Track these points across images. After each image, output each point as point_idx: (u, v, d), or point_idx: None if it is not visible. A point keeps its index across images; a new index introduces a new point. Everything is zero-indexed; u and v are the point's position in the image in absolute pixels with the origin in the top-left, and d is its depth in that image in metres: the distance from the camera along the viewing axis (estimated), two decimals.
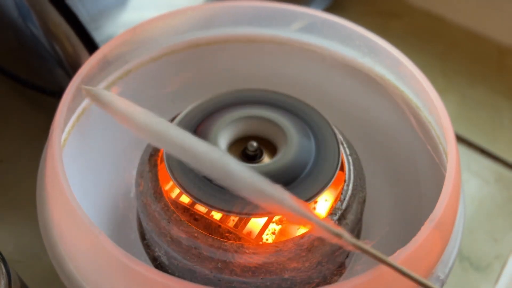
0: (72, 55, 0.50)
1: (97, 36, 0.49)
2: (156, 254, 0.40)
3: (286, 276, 0.36)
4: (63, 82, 0.52)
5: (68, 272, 0.35)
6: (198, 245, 0.36)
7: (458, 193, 0.37)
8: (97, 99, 0.35)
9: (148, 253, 0.41)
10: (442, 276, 0.35)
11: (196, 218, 0.38)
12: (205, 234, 0.37)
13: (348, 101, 0.49)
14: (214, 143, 0.39)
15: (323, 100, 0.47)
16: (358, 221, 0.40)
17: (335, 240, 0.31)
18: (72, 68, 0.50)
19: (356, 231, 0.41)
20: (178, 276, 0.38)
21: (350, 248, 0.31)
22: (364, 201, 0.41)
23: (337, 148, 0.40)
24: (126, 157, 0.45)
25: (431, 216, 0.33)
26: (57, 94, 0.54)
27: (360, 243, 0.31)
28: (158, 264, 0.40)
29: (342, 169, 0.40)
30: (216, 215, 0.38)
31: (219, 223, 0.37)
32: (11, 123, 0.59)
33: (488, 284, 0.49)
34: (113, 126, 0.45)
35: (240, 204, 0.36)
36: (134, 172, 0.42)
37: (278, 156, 0.39)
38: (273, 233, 0.38)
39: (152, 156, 0.41)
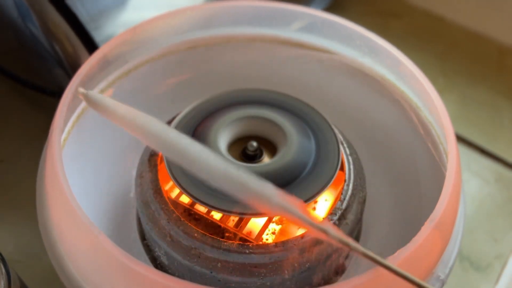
0: (72, 55, 0.50)
1: (96, 36, 0.49)
2: (156, 254, 0.40)
3: (286, 276, 0.36)
4: (62, 82, 0.52)
5: (68, 272, 0.35)
6: (198, 245, 0.36)
7: (458, 193, 0.37)
8: (92, 102, 0.35)
9: (148, 253, 0.41)
10: (442, 276, 0.35)
11: (196, 218, 0.38)
12: (205, 234, 0.36)
13: (348, 101, 0.49)
14: (214, 143, 0.40)
15: (323, 100, 0.47)
16: (358, 221, 0.40)
17: (321, 236, 0.30)
18: (71, 68, 0.50)
19: (356, 231, 0.41)
20: (178, 276, 0.38)
21: (336, 244, 0.30)
22: (364, 201, 0.41)
23: (337, 148, 0.40)
24: (126, 157, 0.45)
25: (431, 216, 0.33)
26: (57, 94, 0.54)
27: (346, 239, 0.30)
28: (158, 264, 0.40)
29: (342, 169, 0.40)
30: (216, 215, 0.38)
31: (219, 223, 0.37)
32: (11, 123, 0.59)
33: (488, 284, 0.49)
34: (113, 126, 0.45)
35: (240, 204, 0.36)
36: (134, 172, 0.42)
37: (278, 156, 0.39)
38: (273, 233, 0.38)
39: (152, 156, 0.41)
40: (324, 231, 0.30)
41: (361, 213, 0.40)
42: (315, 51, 0.48)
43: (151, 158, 0.41)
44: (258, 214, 0.36)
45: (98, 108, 0.34)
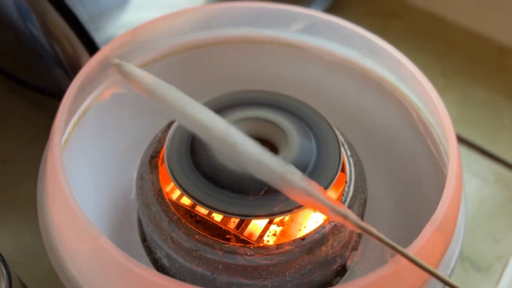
0: (72, 56, 0.50)
1: (97, 36, 0.49)
2: (157, 255, 0.39)
3: (287, 277, 0.36)
4: (63, 82, 0.52)
5: (68, 274, 0.35)
6: (199, 247, 0.36)
7: (460, 195, 0.37)
8: (121, 72, 0.36)
9: (149, 255, 0.41)
10: None
11: (197, 219, 0.38)
12: (206, 236, 0.36)
13: (349, 102, 0.49)
14: None
15: (324, 101, 0.47)
16: None
17: (341, 221, 0.31)
18: (72, 68, 0.50)
19: (358, 232, 0.41)
20: (179, 278, 0.38)
21: (355, 229, 0.31)
22: (365, 203, 0.41)
23: (338, 150, 0.40)
24: (127, 158, 0.45)
25: (433, 218, 0.33)
26: (57, 94, 0.54)
27: (364, 224, 0.31)
28: (159, 266, 0.40)
29: (343, 170, 0.40)
30: (217, 217, 0.38)
31: (220, 225, 0.37)
32: (11, 123, 0.59)
33: (489, 285, 0.49)
34: (114, 127, 0.46)
35: (241, 206, 0.36)
36: (134, 174, 0.42)
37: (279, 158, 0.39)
38: (274, 234, 0.38)
39: (152, 157, 0.41)
40: (345, 216, 0.31)
41: (362, 214, 0.40)
42: (316, 52, 0.48)
43: (152, 160, 0.41)
44: (259, 216, 0.36)
45: (129, 78, 0.35)
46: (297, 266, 0.36)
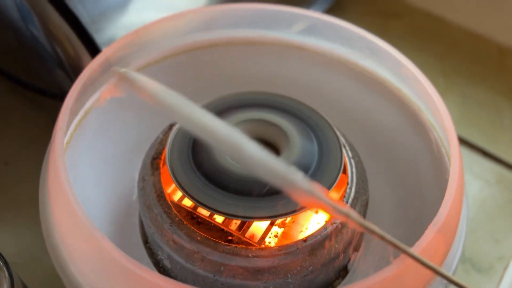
0: (73, 57, 0.50)
1: (98, 38, 0.49)
2: (159, 257, 0.39)
3: (289, 279, 0.36)
4: (63, 84, 0.52)
5: (70, 276, 0.35)
6: (200, 248, 0.36)
7: (461, 196, 0.37)
8: (127, 80, 0.36)
9: (150, 257, 0.41)
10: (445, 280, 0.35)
11: (198, 221, 0.38)
12: (208, 238, 0.36)
13: (350, 104, 0.49)
14: None
15: (325, 103, 0.47)
16: None
17: (343, 220, 0.32)
18: (73, 70, 0.50)
19: (359, 234, 0.41)
20: (181, 280, 0.38)
21: (358, 228, 0.32)
22: (366, 204, 0.41)
23: (339, 151, 0.40)
24: (128, 160, 0.45)
25: (435, 220, 0.33)
26: (58, 96, 0.54)
27: (367, 223, 0.31)
28: (160, 267, 0.40)
29: (344, 172, 0.40)
30: (219, 219, 0.38)
31: (222, 227, 0.37)
32: (11, 124, 0.59)
33: (490, 285, 0.49)
34: (115, 129, 0.46)
35: (242, 207, 0.36)
36: (136, 175, 0.42)
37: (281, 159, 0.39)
38: (276, 236, 0.38)
39: (154, 159, 0.41)
40: (347, 215, 0.31)
41: (364, 216, 0.40)
42: (317, 53, 0.48)
43: (154, 161, 0.41)
44: (260, 218, 0.36)
45: (134, 86, 0.35)
46: (299, 268, 0.36)
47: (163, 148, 0.41)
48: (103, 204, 0.44)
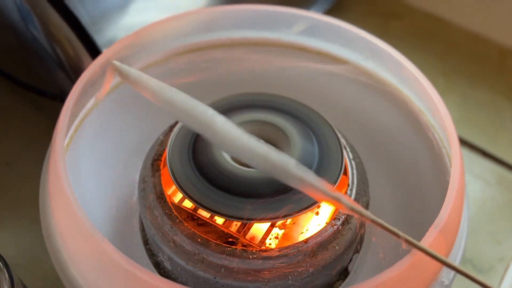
0: (74, 58, 0.50)
1: (98, 39, 0.49)
2: (159, 259, 0.39)
3: (290, 281, 0.36)
4: (64, 85, 0.52)
5: (70, 277, 0.35)
6: (201, 250, 0.36)
7: (462, 198, 0.37)
8: (125, 76, 0.37)
9: (151, 258, 0.41)
10: (446, 282, 0.35)
11: (199, 223, 0.38)
12: (208, 239, 0.36)
13: (350, 105, 0.49)
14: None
15: (326, 104, 0.47)
16: (362, 226, 0.40)
17: (334, 204, 0.33)
18: (73, 71, 0.50)
19: (360, 236, 0.41)
20: (181, 282, 0.38)
21: (349, 213, 0.32)
22: (367, 205, 0.41)
23: (340, 152, 0.40)
24: (129, 161, 0.45)
25: (436, 221, 0.33)
26: (58, 97, 0.54)
27: (357, 207, 0.32)
28: (161, 269, 0.40)
29: (345, 173, 0.40)
30: (219, 220, 0.38)
31: (222, 228, 0.37)
32: (12, 124, 0.59)
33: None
34: (116, 130, 0.46)
35: (243, 209, 0.36)
36: (137, 176, 0.42)
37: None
38: (276, 237, 0.38)
39: (155, 160, 0.41)
40: (337, 199, 0.32)
41: None
42: (317, 54, 0.48)
43: (154, 163, 0.41)
44: (261, 219, 0.36)
45: (130, 81, 0.37)
46: (299, 269, 0.36)
47: (164, 150, 0.41)
48: (104, 205, 0.44)
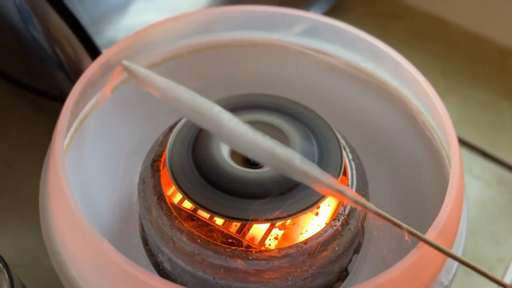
0: (73, 59, 0.50)
1: (98, 40, 0.49)
2: (159, 259, 0.39)
3: (289, 281, 0.36)
4: (64, 85, 0.52)
5: (71, 280, 0.35)
6: (201, 251, 0.36)
7: (462, 199, 0.37)
8: (135, 75, 0.38)
9: (150, 259, 0.41)
10: (446, 283, 0.35)
11: (199, 224, 0.38)
12: (208, 240, 0.36)
13: (350, 106, 0.49)
14: (217, 148, 0.39)
15: (325, 105, 0.47)
16: (361, 226, 0.40)
17: (338, 197, 0.33)
18: (73, 71, 0.50)
19: (359, 236, 0.41)
20: (181, 282, 0.38)
21: (353, 205, 0.34)
22: None
23: (339, 153, 0.40)
24: (129, 162, 0.45)
25: (435, 222, 0.33)
26: (58, 98, 0.54)
27: (361, 200, 0.32)
28: (161, 269, 0.40)
29: (344, 174, 0.40)
30: (219, 221, 0.38)
31: (222, 229, 0.37)
32: (12, 125, 0.59)
33: (491, 287, 0.49)
34: (116, 130, 0.46)
35: (242, 210, 0.36)
36: (136, 177, 0.42)
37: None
38: (276, 238, 0.38)
39: (154, 161, 0.41)
40: (341, 192, 0.33)
41: (364, 218, 0.40)
42: (317, 55, 0.48)
43: (154, 164, 0.41)
44: (260, 220, 0.36)
45: (139, 79, 0.38)
46: (299, 270, 0.36)
47: (163, 150, 0.41)
48: (103, 206, 0.44)
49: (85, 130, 0.42)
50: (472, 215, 0.54)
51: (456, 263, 0.36)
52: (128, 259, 0.31)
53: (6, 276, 0.35)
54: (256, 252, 0.36)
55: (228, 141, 0.35)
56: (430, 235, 0.33)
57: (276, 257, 0.36)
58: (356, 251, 0.41)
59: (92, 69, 0.41)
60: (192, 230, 0.37)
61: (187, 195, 0.37)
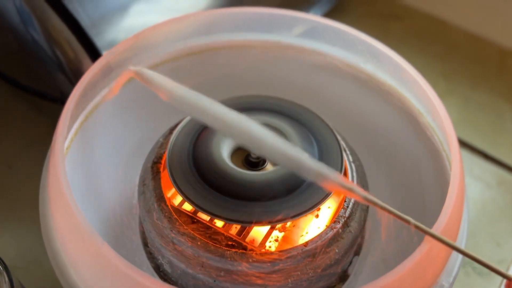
0: (74, 61, 0.50)
1: (98, 41, 0.49)
2: (159, 261, 0.39)
3: (290, 284, 0.36)
4: (64, 87, 0.52)
5: (71, 282, 0.35)
6: (201, 253, 0.36)
7: (462, 200, 0.37)
8: (144, 78, 0.38)
9: (151, 261, 0.41)
10: (446, 285, 0.35)
11: (199, 226, 0.38)
12: (208, 242, 0.36)
13: (350, 107, 0.49)
14: (217, 149, 0.39)
15: (326, 106, 0.47)
16: (362, 229, 0.40)
17: (347, 194, 0.34)
18: (73, 73, 0.50)
19: (360, 239, 0.41)
20: (181, 284, 0.38)
21: (362, 202, 0.34)
22: (367, 208, 0.41)
23: (339, 155, 0.40)
24: (129, 164, 0.45)
25: (436, 225, 0.33)
26: (59, 99, 0.54)
27: (370, 196, 0.33)
28: (161, 272, 0.40)
29: (345, 175, 0.40)
30: (219, 223, 0.38)
31: (222, 231, 0.37)
32: (12, 126, 0.59)
33: None
34: (116, 132, 0.46)
35: (243, 212, 0.36)
36: (136, 179, 0.42)
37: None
38: (276, 240, 0.38)
39: (154, 163, 0.41)
40: (350, 189, 0.33)
41: (365, 220, 0.40)
42: (317, 56, 0.48)
43: (154, 166, 0.41)
44: (261, 222, 0.36)
45: (151, 84, 0.38)
46: (299, 272, 0.36)
47: (164, 152, 0.41)
48: (104, 208, 0.44)
49: (86, 131, 0.42)
50: (473, 216, 0.54)
51: (456, 266, 0.36)
52: (128, 262, 0.31)
53: (6, 279, 0.35)
54: (256, 254, 0.36)
55: (237, 139, 0.36)
56: (430, 238, 0.33)
57: (276, 260, 0.36)
58: (357, 253, 0.41)
59: (93, 71, 0.41)
60: (192, 232, 0.37)
61: (187, 197, 0.37)
